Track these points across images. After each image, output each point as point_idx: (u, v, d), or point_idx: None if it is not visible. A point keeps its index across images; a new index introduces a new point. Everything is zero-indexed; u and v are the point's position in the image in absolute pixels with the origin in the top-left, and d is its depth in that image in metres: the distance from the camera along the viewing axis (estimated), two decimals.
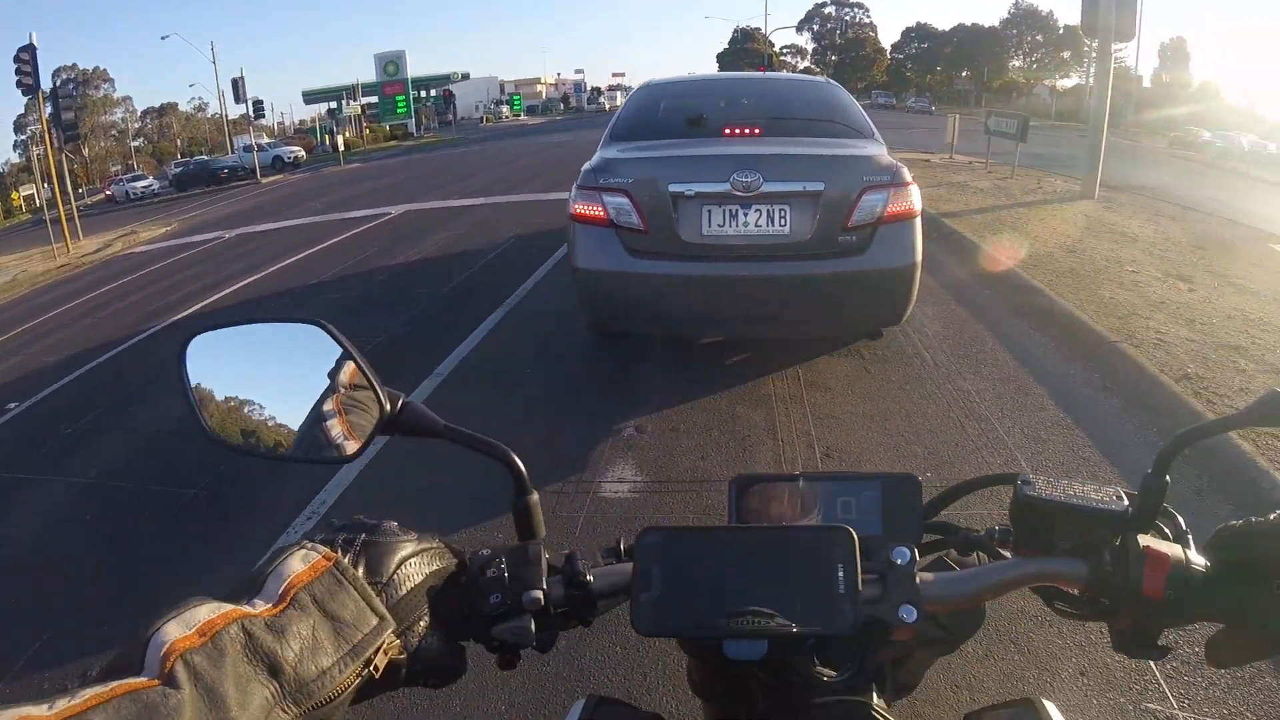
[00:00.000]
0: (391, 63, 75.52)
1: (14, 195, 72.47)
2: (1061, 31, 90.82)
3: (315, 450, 1.08)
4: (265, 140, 57.93)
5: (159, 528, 4.86)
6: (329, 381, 1.08)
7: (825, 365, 5.68)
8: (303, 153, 52.89)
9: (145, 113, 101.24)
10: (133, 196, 49.87)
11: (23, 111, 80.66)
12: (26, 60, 23.39)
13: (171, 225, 26.27)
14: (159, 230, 25.32)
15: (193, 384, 1.14)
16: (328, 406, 1.07)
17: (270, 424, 1.12)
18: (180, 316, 10.81)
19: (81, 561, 4.57)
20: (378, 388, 1.04)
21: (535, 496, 1.01)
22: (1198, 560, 0.86)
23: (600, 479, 4.38)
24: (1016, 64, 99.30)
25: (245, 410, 1.14)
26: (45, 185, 27.71)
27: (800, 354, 5.80)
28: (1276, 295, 7.76)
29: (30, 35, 23.65)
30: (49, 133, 26.20)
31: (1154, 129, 59.94)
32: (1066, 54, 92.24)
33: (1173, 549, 0.87)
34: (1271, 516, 0.84)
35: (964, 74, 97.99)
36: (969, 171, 17.88)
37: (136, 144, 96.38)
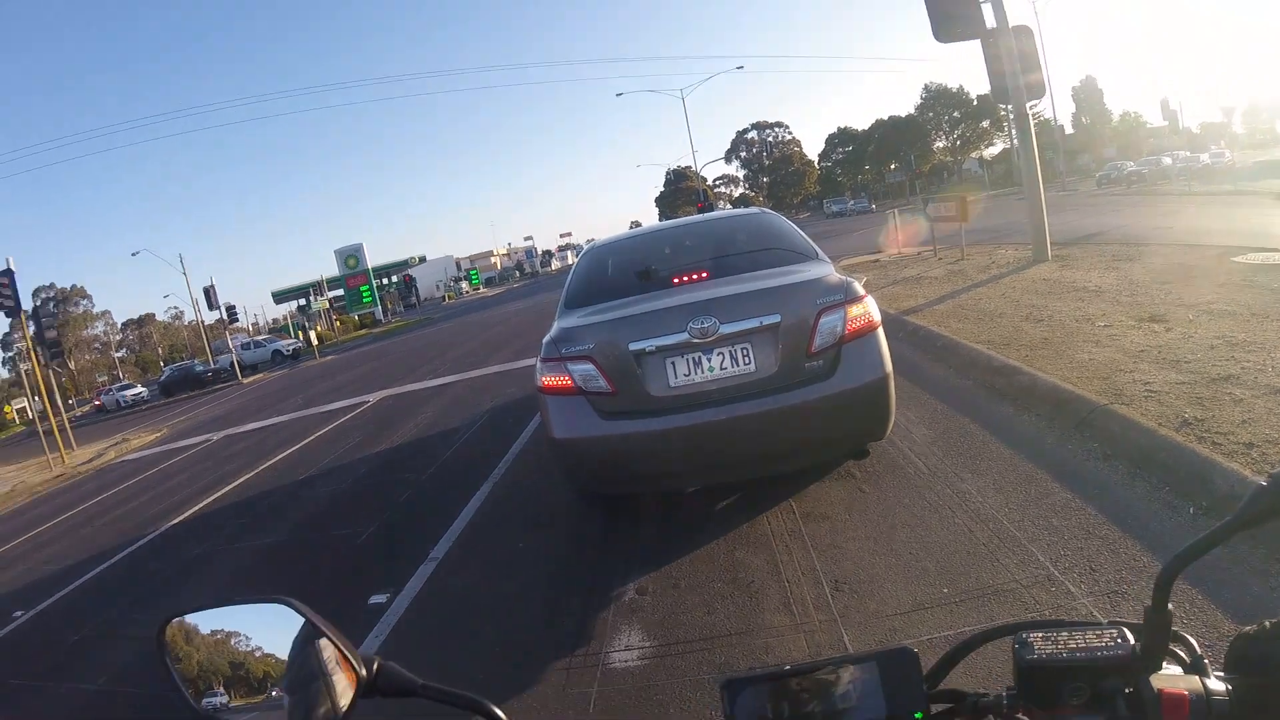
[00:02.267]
0: (352, 256, 78.09)
1: (6, 409, 74.11)
2: (975, 103, 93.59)
3: (315, 714, 1.08)
4: (262, 336, 59.00)
5: None
6: (304, 652, 1.13)
7: (819, 493, 5.56)
8: (299, 343, 53.52)
9: (125, 324, 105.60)
10: (123, 405, 51.10)
11: (7, 330, 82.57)
12: (5, 284, 24.09)
13: (161, 431, 26.68)
14: (150, 436, 25.72)
15: (174, 665, 1.21)
16: (329, 668, 1.11)
17: (251, 699, 1.17)
18: (178, 520, 10.83)
19: None
20: (350, 655, 1.09)
21: None
22: (1218, 688, 0.82)
23: (608, 649, 4.25)
24: (940, 145, 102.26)
25: (226, 686, 1.19)
26: (35, 399, 28.19)
27: (791, 486, 5.69)
28: (1252, 310, 7.76)
29: (7, 260, 24.39)
30: (34, 350, 26.67)
31: (1088, 173, 61.07)
32: (986, 123, 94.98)
33: (1190, 683, 0.83)
34: None
35: (892, 166, 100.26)
36: (920, 263, 18.14)
37: (120, 355, 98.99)
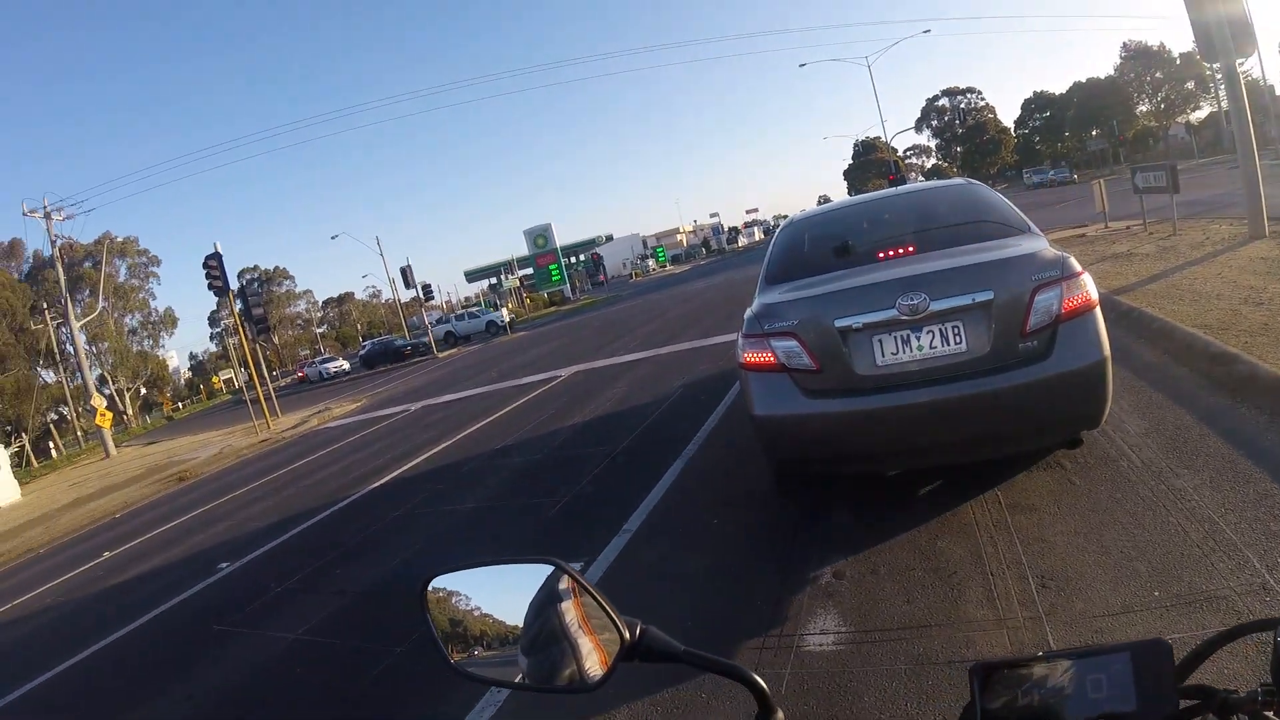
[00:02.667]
0: (540, 236, 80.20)
1: (214, 379, 79.94)
2: (1179, 62, 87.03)
3: (558, 679, 1.15)
4: (474, 308, 61.43)
5: (369, 682, 5.11)
6: (572, 606, 1.18)
7: (1026, 483, 5.33)
8: (511, 315, 55.63)
9: (326, 302, 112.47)
10: (325, 376, 53.79)
11: (215, 308, 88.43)
12: (215, 266, 25.99)
13: (361, 401, 27.99)
14: (350, 406, 27.08)
15: (439, 617, 1.30)
16: (571, 631, 1.16)
17: (509, 654, 1.21)
18: (378, 484, 11.39)
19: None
20: (616, 618, 1.13)
21: (780, 715, 1.07)
22: None
23: (802, 631, 4.23)
24: (1143, 108, 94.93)
25: (503, 635, 1.25)
26: (242, 370, 30.23)
27: (997, 474, 5.48)
28: None
29: (215, 244, 26.30)
30: (241, 326, 28.44)
31: None
32: (1190, 84, 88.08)
33: None
34: None
35: (1093, 133, 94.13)
36: (1129, 238, 17.19)
37: (321, 330, 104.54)
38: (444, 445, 13.11)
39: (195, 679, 6.06)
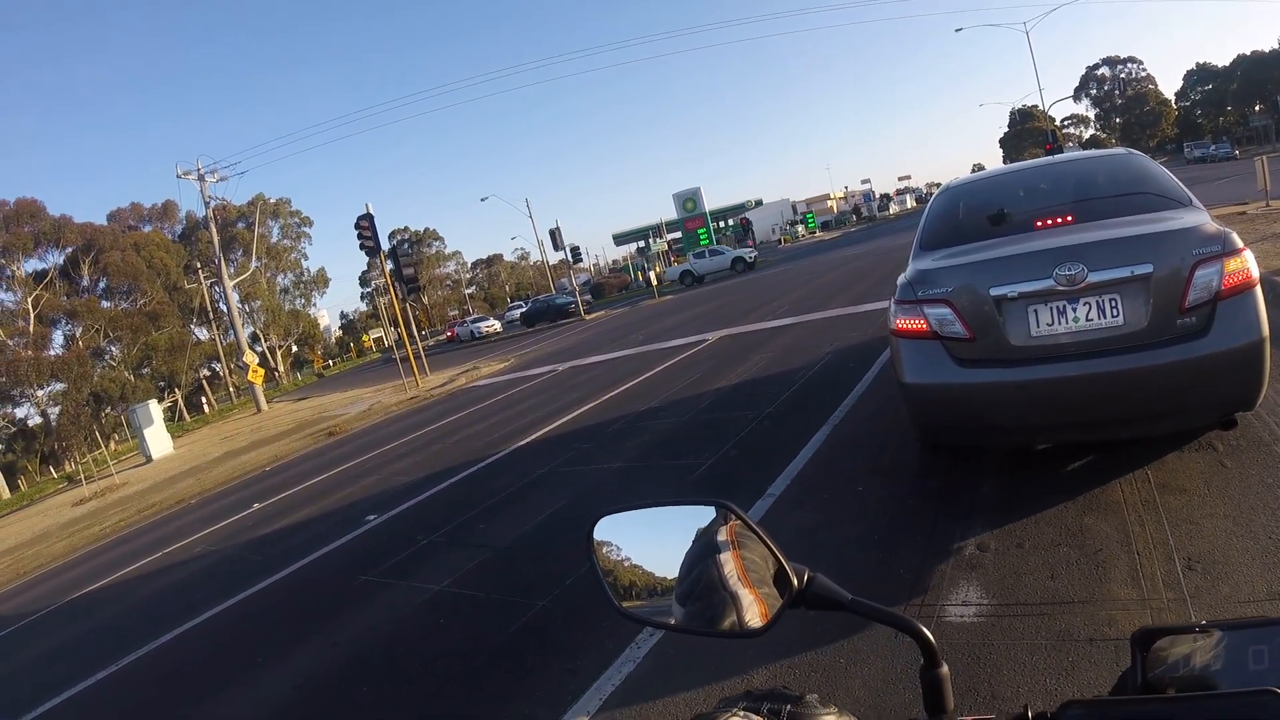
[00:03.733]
0: (689, 199, 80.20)
1: (364, 338, 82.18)
2: None
3: (720, 624, 1.13)
4: (719, 245, 61.98)
5: (510, 634, 5.30)
6: (730, 558, 1.16)
7: (1176, 463, 5.19)
8: (755, 254, 55.45)
9: (475, 264, 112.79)
10: (476, 336, 54.19)
11: (365, 269, 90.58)
12: (366, 227, 26.64)
13: (509, 360, 28.48)
14: (498, 365, 27.53)
15: (600, 561, 1.30)
16: (730, 583, 1.14)
17: (673, 598, 1.20)
18: (524, 442, 11.64)
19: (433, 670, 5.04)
20: (785, 563, 1.12)
21: (945, 669, 1.05)
22: None
23: (944, 602, 4.24)
24: None
25: (651, 585, 1.26)
26: (392, 329, 31.11)
27: (1147, 453, 5.34)
28: None
29: (367, 205, 26.94)
30: (392, 286, 29.14)
31: None
32: None
33: None
34: None
35: (1257, 108, 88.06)
36: None
37: (469, 291, 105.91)
38: (590, 405, 13.38)
39: (340, 626, 6.40)
